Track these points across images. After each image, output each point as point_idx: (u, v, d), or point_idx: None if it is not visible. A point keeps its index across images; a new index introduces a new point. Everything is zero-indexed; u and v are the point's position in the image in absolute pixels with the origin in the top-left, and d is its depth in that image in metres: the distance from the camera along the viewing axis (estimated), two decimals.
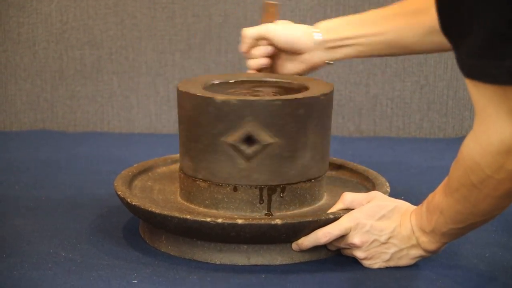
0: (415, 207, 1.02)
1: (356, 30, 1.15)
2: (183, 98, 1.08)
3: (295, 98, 1.05)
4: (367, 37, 1.14)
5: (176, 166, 1.23)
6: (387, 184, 1.15)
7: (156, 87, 1.78)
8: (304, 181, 1.09)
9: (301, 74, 1.19)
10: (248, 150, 1.05)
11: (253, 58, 1.19)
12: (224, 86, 1.17)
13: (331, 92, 1.11)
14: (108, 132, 1.78)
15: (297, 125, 1.06)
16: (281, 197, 1.08)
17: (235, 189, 1.07)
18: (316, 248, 1.05)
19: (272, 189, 1.08)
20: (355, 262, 1.04)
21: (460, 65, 0.80)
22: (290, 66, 1.19)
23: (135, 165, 1.23)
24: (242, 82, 1.18)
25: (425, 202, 0.99)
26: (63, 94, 1.78)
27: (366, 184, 1.19)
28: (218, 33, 1.75)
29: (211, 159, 1.06)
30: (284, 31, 1.16)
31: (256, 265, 1.04)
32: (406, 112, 1.77)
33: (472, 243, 1.12)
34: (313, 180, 1.11)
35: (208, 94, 1.06)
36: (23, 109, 1.79)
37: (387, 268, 1.03)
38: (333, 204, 1.07)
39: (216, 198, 1.08)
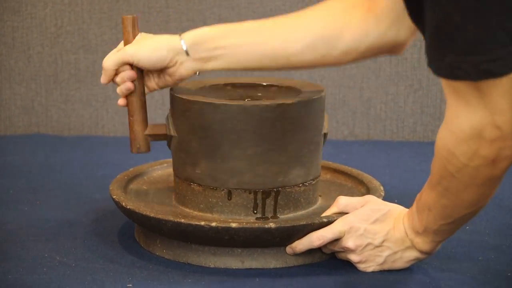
0: (408, 210, 1.02)
1: (225, 40, 1.05)
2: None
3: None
4: (237, 47, 1.05)
5: (171, 170, 1.23)
6: (381, 188, 1.16)
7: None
8: (298, 185, 1.10)
9: (170, 86, 1.11)
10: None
11: (118, 85, 1.10)
12: (218, 89, 1.17)
13: (325, 94, 1.11)
14: (103, 136, 1.78)
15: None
16: (275, 201, 1.08)
17: (229, 193, 1.08)
18: (310, 252, 1.05)
19: (266, 193, 1.08)
20: (349, 265, 1.05)
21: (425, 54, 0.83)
22: (158, 81, 1.10)
23: (130, 169, 1.23)
24: (235, 85, 1.18)
25: (414, 203, 0.99)
26: (58, 98, 1.78)
27: (360, 188, 1.20)
28: None
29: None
30: (145, 52, 1.07)
31: (250, 269, 1.05)
32: (400, 115, 1.78)
33: (466, 246, 1.12)
34: (307, 184, 1.11)
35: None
36: (17, 113, 1.79)
37: (381, 271, 1.03)
38: (328, 208, 1.07)
39: (211, 202, 1.09)
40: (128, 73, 1.08)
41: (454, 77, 0.80)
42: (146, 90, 1.12)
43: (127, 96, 1.10)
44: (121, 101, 1.11)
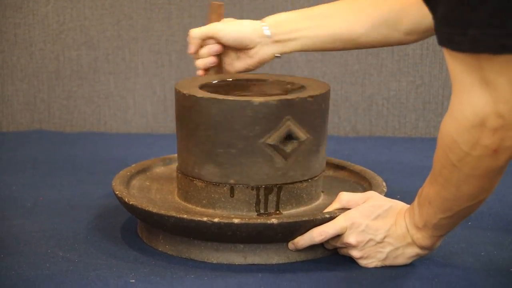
0: (409, 206, 1.02)
1: (302, 23, 1.16)
2: (207, 103, 1.06)
3: (320, 94, 1.08)
4: (312, 30, 1.15)
5: (174, 165, 1.23)
6: (384, 184, 1.16)
7: (153, 88, 1.78)
8: (301, 181, 1.10)
9: (249, 69, 1.19)
10: (287, 149, 1.06)
11: (200, 58, 1.19)
12: (221, 86, 1.17)
13: (329, 90, 1.12)
14: (105, 132, 1.78)
15: (322, 120, 1.10)
16: (277, 197, 1.09)
17: (232, 189, 1.08)
18: (312, 247, 1.05)
19: (268, 189, 1.08)
20: (351, 261, 1.05)
21: (436, 33, 0.82)
22: (238, 63, 1.19)
23: (133, 165, 1.23)
24: (238, 81, 1.18)
25: (416, 198, 0.99)
26: (60, 95, 1.79)
27: (362, 184, 1.20)
28: None
29: (246, 162, 1.06)
30: (231, 29, 1.17)
31: (253, 264, 1.05)
32: (402, 111, 1.78)
33: (468, 242, 1.12)
34: (309, 180, 1.11)
35: (241, 98, 1.06)
36: (20, 109, 1.79)
37: (383, 267, 1.03)
38: (330, 203, 1.08)
39: (213, 197, 1.09)
40: (215, 46, 1.17)
41: (477, 50, 0.79)
42: (225, 71, 1.20)
43: (206, 70, 1.19)
44: (201, 72, 1.19)
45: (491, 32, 0.77)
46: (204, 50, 1.18)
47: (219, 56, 1.19)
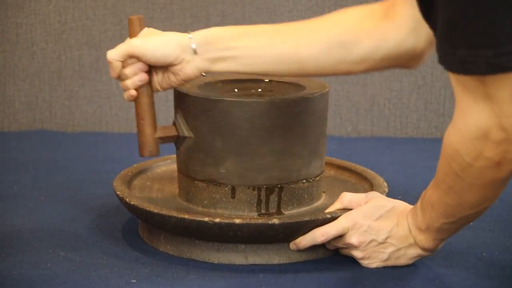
0: (412, 206, 1.02)
1: (237, 41, 1.02)
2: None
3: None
4: (252, 49, 1.02)
5: (175, 166, 1.23)
6: (385, 185, 1.16)
7: None
8: (302, 181, 1.10)
9: (174, 87, 1.08)
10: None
11: (126, 79, 1.05)
12: (221, 85, 1.17)
13: (328, 90, 1.12)
14: (107, 132, 1.78)
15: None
16: (279, 197, 1.08)
17: (233, 189, 1.08)
18: (314, 248, 1.05)
19: (270, 189, 1.08)
20: (353, 261, 1.05)
21: (436, 50, 0.82)
22: (161, 82, 1.06)
23: (134, 165, 1.23)
24: (238, 81, 1.18)
25: (419, 200, 0.99)
26: (62, 95, 1.79)
27: (364, 184, 1.20)
28: None
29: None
30: (151, 45, 1.03)
31: (254, 265, 1.05)
32: (404, 112, 1.78)
33: (470, 243, 1.12)
34: (311, 180, 1.11)
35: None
36: (21, 109, 1.79)
37: (385, 267, 1.03)
38: (331, 204, 1.07)
39: (215, 198, 1.09)
40: (139, 64, 1.04)
41: (465, 72, 0.79)
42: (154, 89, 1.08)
43: (136, 98, 1.06)
44: (133, 92, 1.06)
45: (480, 52, 0.77)
46: (128, 71, 1.04)
47: (148, 72, 1.06)
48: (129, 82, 1.05)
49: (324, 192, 1.16)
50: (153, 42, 1.03)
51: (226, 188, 1.08)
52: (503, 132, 0.81)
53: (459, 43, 0.78)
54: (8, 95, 1.79)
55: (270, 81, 1.18)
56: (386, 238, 1.02)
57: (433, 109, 1.77)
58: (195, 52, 1.02)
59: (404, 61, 1.01)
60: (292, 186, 1.09)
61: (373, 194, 1.06)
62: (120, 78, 1.06)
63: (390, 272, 1.02)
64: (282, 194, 1.09)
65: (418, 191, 1.00)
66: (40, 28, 1.76)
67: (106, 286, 0.98)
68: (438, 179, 0.92)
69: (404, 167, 1.51)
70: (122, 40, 1.11)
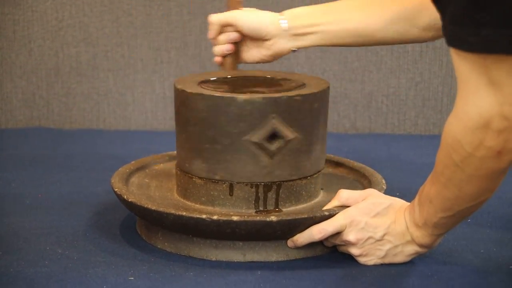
0: (409, 203, 1.02)
1: (320, 17, 1.15)
2: (195, 99, 1.06)
3: (312, 93, 1.07)
4: (330, 24, 1.15)
5: (173, 163, 1.23)
6: (383, 182, 1.16)
7: (152, 84, 1.78)
8: (300, 178, 1.10)
9: (265, 61, 1.20)
10: (272, 147, 1.06)
11: (218, 44, 1.19)
12: (219, 83, 1.17)
13: (328, 87, 1.12)
14: (104, 129, 1.78)
15: (313, 119, 1.08)
16: (277, 194, 1.08)
17: (231, 186, 1.08)
18: (312, 245, 1.05)
19: (268, 186, 1.08)
20: (350, 258, 1.05)
21: (444, 33, 0.82)
22: (255, 53, 1.20)
23: (132, 162, 1.23)
24: (237, 79, 1.18)
25: (416, 196, 0.99)
26: (59, 92, 1.78)
27: (362, 181, 1.20)
28: None
29: (231, 159, 1.06)
30: (250, 17, 1.17)
31: (252, 262, 1.05)
32: (401, 109, 1.78)
33: (467, 239, 1.12)
34: (308, 177, 1.11)
35: (227, 94, 1.06)
36: (18, 106, 1.79)
37: (382, 264, 1.03)
38: (329, 201, 1.07)
39: (212, 195, 1.09)
40: (232, 34, 1.18)
41: (490, 50, 0.78)
42: (242, 60, 1.21)
43: (221, 64, 1.20)
44: (218, 59, 1.20)
45: (505, 32, 0.76)
46: (222, 37, 1.18)
47: (237, 44, 1.19)
48: (217, 49, 1.19)
49: (322, 189, 1.16)
50: (250, 15, 1.18)
51: (224, 185, 1.08)
52: (505, 121, 0.81)
53: (484, 22, 0.77)
54: (5, 92, 1.78)
55: (271, 78, 1.18)
56: (384, 235, 1.02)
57: (431, 106, 1.77)
58: (285, 29, 1.16)
59: None
60: (290, 183, 1.09)
61: (370, 191, 1.06)
62: (214, 41, 1.20)
63: (387, 269, 1.02)
64: (280, 191, 1.09)
65: (416, 188, 1.00)
66: (37, 25, 1.76)
67: (104, 283, 0.98)
68: (437, 171, 0.92)
69: (402, 164, 1.51)
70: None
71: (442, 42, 1.73)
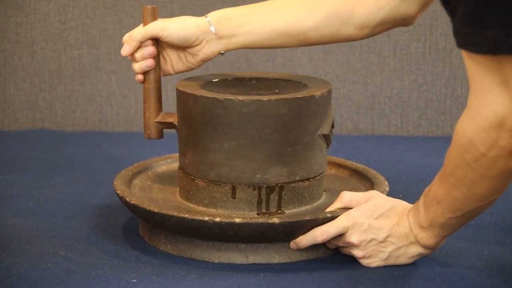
0: (413, 205, 1.02)
1: (247, 18, 1.10)
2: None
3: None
4: (258, 24, 1.10)
5: (176, 165, 1.23)
6: (386, 183, 1.16)
7: None
8: (303, 180, 1.10)
9: (192, 68, 1.13)
10: (331, 136, 1.11)
11: (136, 61, 1.11)
12: (223, 84, 1.17)
13: (330, 89, 1.12)
14: (107, 131, 1.78)
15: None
16: (279, 196, 1.08)
17: (233, 188, 1.08)
18: (314, 247, 1.05)
19: (270, 188, 1.08)
20: (353, 260, 1.05)
21: (454, 35, 0.82)
22: (179, 62, 1.13)
23: (135, 164, 1.23)
24: (242, 80, 1.18)
25: (421, 197, 0.99)
26: (62, 94, 1.79)
27: (365, 183, 1.19)
28: None
29: (310, 155, 1.08)
30: (175, 26, 1.09)
31: (255, 264, 1.05)
32: (404, 110, 1.77)
33: (470, 241, 1.12)
34: (311, 179, 1.11)
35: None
36: (21, 108, 1.79)
37: (385, 266, 1.03)
38: (332, 203, 1.07)
39: (215, 197, 1.09)
40: (150, 48, 1.10)
41: (496, 51, 0.78)
42: (161, 74, 1.14)
43: (144, 80, 1.12)
44: (140, 77, 1.12)
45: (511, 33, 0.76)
46: (138, 54, 1.10)
47: (157, 57, 1.12)
48: (136, 66, 1.11)
49: (325, 191, 1.16)
50: (175, 24, 1.09)
51: (226, 187, 1.08)
52: None
53: (491, 23, 0.77)
54: (8, 94, 1.79)
55: (274, 79, 1.18)
56: (387, 237, 1.01)
57: (434, 107, 1.77)
58: (213, 32, 1.09)
59: (398, 23, 1.12)
60: (293, 185, 1.09)
61: (373, 193, 1.06)
62: (131, 58, 1.12)
63: (390, 271, 1.02)
64: (283, 193, 1.09)
65: (419, 189, 1.00)
66: (40, 27, 1.76)
67: (106, 285, 0.98)
68: (446, 172, 0.92)
69: (404, 166, 1.51)
70: (122, 38, 1.11)
71: (445, 43, 1.73)
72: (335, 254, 1.07)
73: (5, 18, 1.76)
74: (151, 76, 1.12)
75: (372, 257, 1.03)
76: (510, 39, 0.77)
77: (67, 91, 1.78)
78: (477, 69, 0.82)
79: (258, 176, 1.07)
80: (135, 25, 1.75)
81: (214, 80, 1.17)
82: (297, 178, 1.09)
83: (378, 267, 1.03)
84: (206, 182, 1.09)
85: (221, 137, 1.06)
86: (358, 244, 1.02)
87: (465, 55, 0.82)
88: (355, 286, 0.99)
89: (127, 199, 1.08)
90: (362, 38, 1.12)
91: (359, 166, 1.24)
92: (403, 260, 1.03)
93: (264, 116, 1.05)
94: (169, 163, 1.27)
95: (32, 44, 1.77)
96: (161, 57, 1.13)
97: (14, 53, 1.77)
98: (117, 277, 1.00)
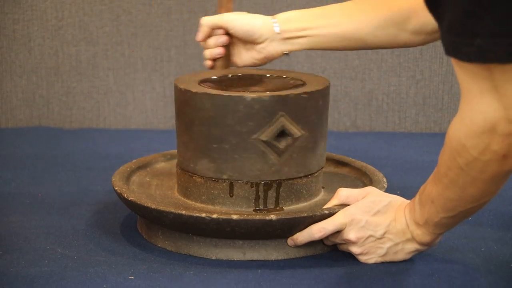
0: (409, 201, 1.02)
1: (312, 21, 1.15)
2: (201, 98, 1.06)
3: (317, 90, 1.07)
4: (321, 29, 1.15)
5: (174, 161, 1.23)
6: (384, 180, 1.16)
7: (152, 83, 1.78)
8: (301, 177, 1.10)
9: (256, 64, 1.18)
10: (281, 145, 1.06)
11: (208, 48, 1.18)
12: (223, 81, 1.17)
13: (329, 86, 1.12)
14: (104, 128, 1.78)
15: (317, 116, 1.08)
16: (277, 193, 1.08)
17: (231, 185, 1.08)
18: (312, 244, 1.05)
19: (268, 185, 1.08)
20: (351, 257, 1.05)
21: (442, 41, 0.81)
22: (246, 56, 1.18)
23: (133, 161, 1.23)
24: (238, 77, 1.18)
25: (417, 195, 0.99)
26: (59, 91, 1.78)
27: (363, 180, 1.19)
28: None
29: (240, 158, 1.06)
30: (243, 20, 1.16)
31: (252, 261, 1.05)
32: (402, 107, 1.77)
33: (468, 238, 1.12)
34: (309, 176, 1.11)
35: (235, 93, 1.05)
36: (18, 105, 1.79)
37: (383, 263, 1.03)
38: (330, 199, 1.07)
39: (213, 194, 1.09)
40: (222, 37, 1.16)
41: (483, 60, 0.78)
42: (232, 63, 1.20)
43: (211, 68, 1.18)
44: (210, 63, 1.19)
45: (499, 41, 0.76)
46: (211, 41, 1.17)
47: (227, 47, 1.18)
48: (208, 52, 1.18)
49: (323, 187, 1.16)
50: (242, 18, 1.16)
51: (224, 184, 1.08)
52: (510, 125, 0.81)
53: (478, 32, 0.76)
54: (5, 91, 1.78)
55: (272, 76, 1.18)
56: (384, 233, 1.01)
57: (431, 104, 1.77)
58: (277, 32, 1.15)
59: None
60: (291, 181, 1.09)
61: (370, 189, 1.06)
62: (203, 44, 1.18)
63: (388, 267, 1.02)
64: (281, 190, 1.08)
65: (417, 186, 1.00)
66: (37, 24, 1.76)
67: (104, 282, 0.98)
68: (440, 173, 0.92)
69: (402, 162, 1.51)
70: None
71: None
72: (333, 250, 1.07)
73: (2, 15, 1.75)
74: (220, 64, 1.18)
75: (370, 253, 1.03)
76: (497, 48, 0.76)
77: (64, 88, 1.78)
78: (466, 76, 0.81)
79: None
80: (133, 22, 1.75)
81: (212, 78, 1.16)
82: (295, 174, 1.09)
83: (375, 264, 1.03)
84: (203, 178, 1.09)
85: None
86: (356, 241, 1.02)
87: (454, 62, 0.82)
88: (353, 283, 0.99)
89: (125, 195, 1.08)
90: (420, 44, 1.16)
91: (357, 162, 1.24)
92: (400, 256, 1.03)
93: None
94: (168, 160, 1.27)
95: (29, 41, 1.76)
96: (231, 47, 1.18)
97: (11, 50, 1.76)
98: (115, 274, 1.00)
